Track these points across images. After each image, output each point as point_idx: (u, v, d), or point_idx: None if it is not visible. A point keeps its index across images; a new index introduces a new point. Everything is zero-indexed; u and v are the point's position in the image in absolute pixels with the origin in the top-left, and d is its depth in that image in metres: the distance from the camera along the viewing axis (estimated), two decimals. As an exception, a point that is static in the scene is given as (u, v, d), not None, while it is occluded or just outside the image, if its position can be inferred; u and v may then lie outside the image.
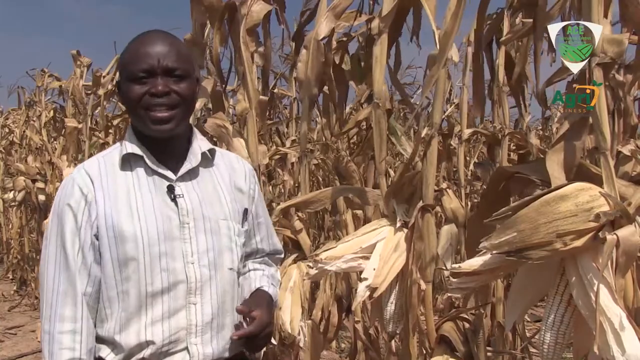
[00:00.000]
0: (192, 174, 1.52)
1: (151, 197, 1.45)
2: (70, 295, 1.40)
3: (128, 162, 1.48)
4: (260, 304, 1.55)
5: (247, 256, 1.67)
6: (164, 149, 1.50)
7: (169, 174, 1.48)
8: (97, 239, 1.42)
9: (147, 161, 1.47)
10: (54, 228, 1.44)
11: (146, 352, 1.42)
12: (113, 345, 1.43)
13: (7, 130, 9.51)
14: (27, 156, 7.46)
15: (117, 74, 1.63)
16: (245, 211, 1.60)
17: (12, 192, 6.67)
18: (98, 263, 1.43)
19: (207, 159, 1.56)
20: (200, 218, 1.47)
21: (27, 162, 6.85)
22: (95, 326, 1.45)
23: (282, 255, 1.82)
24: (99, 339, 1.45)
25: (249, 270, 1.68)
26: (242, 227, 1.58)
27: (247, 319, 1.50)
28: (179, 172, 1.49)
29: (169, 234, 1.43)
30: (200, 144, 1.56)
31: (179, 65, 1.47)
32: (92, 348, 1.43)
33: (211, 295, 1.47)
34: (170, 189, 1.47)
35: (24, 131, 7.72)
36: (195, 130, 1.59)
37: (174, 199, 1.46)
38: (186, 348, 1.45)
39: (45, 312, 1.42)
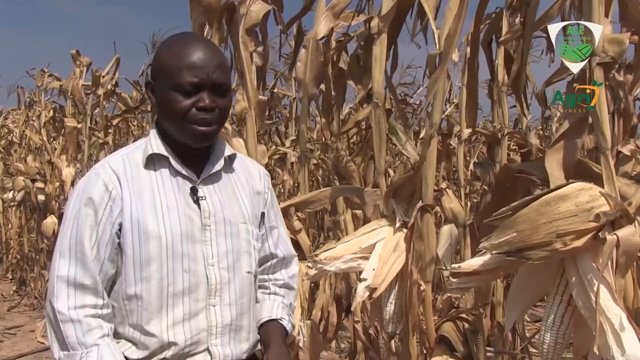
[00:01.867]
0: (214, 177, 1.53)
1: (175, 197, 1.45)
2: (89, 282, 1.38)
3: (152, 161, 1.47)
4: (272, 342, 1.55)
5: (261, 261, 1.66)
6: (188, 152, 1.50)
7: (192, 176, 1.49)
8: (119, 237, 1.41)
9: (172, 162, 1.47)
10: (72, 219, 1.42)
11: (168, 353, 1.42)
12: (135, 342, 1.44)
13: (6, 130, 9.51)
14: (26, 156, 7.46)
15: (150, 72, 1.57)
16: (262, 215, 1.62)
17: (12, 192, 6.68)
18: (112, 261, 1.42)
19: (228, 164, 1.57)
20: (222, 221, 1.48)
21: (26, 162, 6.86)
22: (115, 325, 1.44)
23: (296, 258, 1.76)
24: (121, 337, 1.45)
25: (269, 294, 1.67)
26: (260, 231, 1.60)
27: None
28: (202, 175, 1.50)
29: (191, 235, 1.44)
30: (222, 148, 1.57)
31: (225, 80, 1.47)
32: (111, 330, 1.42)
33: (230, 297, 1.48)
34: (194, 191, 1.47)
35: (24, 131, 7.72)
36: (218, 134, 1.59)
37: (196, 201, 1.47)
38: (207, 349, 1.46)
39: (70, 301, 1.37)
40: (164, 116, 1.48)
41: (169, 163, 1.47)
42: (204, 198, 1.48)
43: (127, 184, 1.43)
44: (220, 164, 1.53)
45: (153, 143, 1.49)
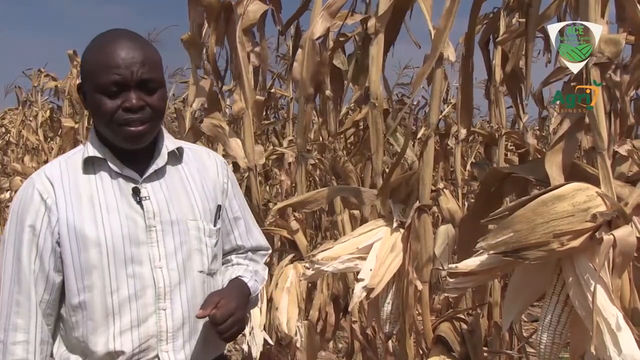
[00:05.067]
0: (159, 173, 1.46)
1: (115, 200, 1.39)
2: (24, 304, 1.36)
3: (91, 165, 1.42)
4: (230, 293, 1.47)
5: (228, 253, 1.62)
6: (131, 153, 1.43)
7: (135, 175, 1.42)
8: (59, 245, 1.37)
9: (110, 164, 1.41)
10: (12, 234, 1.39)
11: None
12: (85, 353, 1.40)
13: (3, 130, 9.49)
14: (23, 156, 7.45)
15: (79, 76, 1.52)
16: (219, 208, 1.54)
17: (9, 192, 6.66)
18: (58, 270, 1.38)
19: (175, 158, 1.50)
20: (168, 220, 1.41)
21: (23, 162, 6.85)
22: (62, 332, 1.42)
23: (269, 252, 1.74)
24: (70, 346, 1.42)
25: (232, 265, 1.62)
26: (215, 225, 1.51)
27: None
28: (145, 173, 1.43)
29: (134, 238, 1.38)
30: (166, 142, 1.49)
31: (153, 75, 1.39)
32: (46, 357, 1.40)
33: (181, 299, 1.42)
34: (136, 192, 1.41)
35: (21, 131, 7.70)
36: (162, 129, 1.51)
37: (139, 202, 1.40)
38: (157, 356, 1.41)
39: (0, 322, 1.38)
40: (96, 120, 1.42)
41: (108, 165, 1.41)
42: (147, 198, 1.41)
43: (62, 191, 1.38)
44: (163, 160, 1.46)
45: (89, 146, 1.42)
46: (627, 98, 1.84)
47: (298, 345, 2.50)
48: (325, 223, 5.66)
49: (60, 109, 6.48)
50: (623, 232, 1.25)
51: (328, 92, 3.05)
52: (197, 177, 1.51)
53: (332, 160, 3.35)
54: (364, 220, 2.94)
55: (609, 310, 1.21)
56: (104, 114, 1.36)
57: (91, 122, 1.56)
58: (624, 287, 1.34)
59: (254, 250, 1.68)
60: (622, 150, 1.51)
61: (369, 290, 1.68)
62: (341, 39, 2.82)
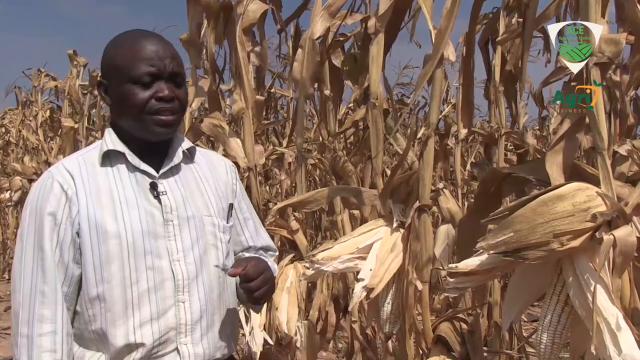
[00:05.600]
0: (174, 171, 1.49)
1: (134, 194, 1.41)
2: (50, 294, 1.35)
3: (108, 159, 1.44)
4: (257, 258, 1.52)
5: (237, 253, 1.66)
6: (146, 148, 1.46)
7: (151, 171, 1.45)
8: (79, 237, 1.38)
9: (129, 157, 1.44)
10: (32, 225, 1.39)
11: (136, 355, 1.38)
12: (100, 348, 1.40)
13: (4, 130, 9.49)
14: (23, 156, 7.45)
15: (101, 72, 1.53)
16: (230, 206, 1.58)
17: (9, 192, 6.66)
18: (77, 262, 1.38)
19: (188, 157, 1.54)
20: (184, 215, 1.45)
21: (23, 162, 6.84)
22: (76, 329, 1.41)
23: (276, 253, 1.79)
24: (84, 343, 1.41)
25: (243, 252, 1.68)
26: (227, 223, 1.56)
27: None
28: (162, 170, 1.47)
29: (153, 231, 1.40)
30: (180, 142, 1.54)
31: (181, 70, 1.46)
32: (71, 350, 1.39)
33: (199, 292, 1.44)
34: (153, 186, 1.44)
35: (20, 131, 7.70)
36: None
37: (157, 197, 1.43)
38: (176, 349, 1.42)
39: (22, 316, 1.36)
40: (122, 113, 1.45)
41: (125, 159, 1.44)
42: (164, 193, 1.44)
43: (82, 184, 1.39)
44: (179, 157, 1.50)
45: (108, 140, 1.45)
46: (627, 98, 1.84)
47: (298, 345, 2.50)
48: (325, 223, 5.66)
49: (60, 109, 6.47)
50: (623, 232, 1.25)
51: (327, 92, 3.05)
52: (209, 176, 1.56)
53: (332, 160, 3.34)
54: (364, 220, 2.95)
55: (609, 310, 1.21)
56: (136, 103, 1.40)
57: (106, 121, 1.59)
58: (624, 287, 1.34)
59: (264, 250, 1.72)
60: (622, 150, 1.51)
61: (368, 290, 1.68)
62: (340, 38, 2.82)
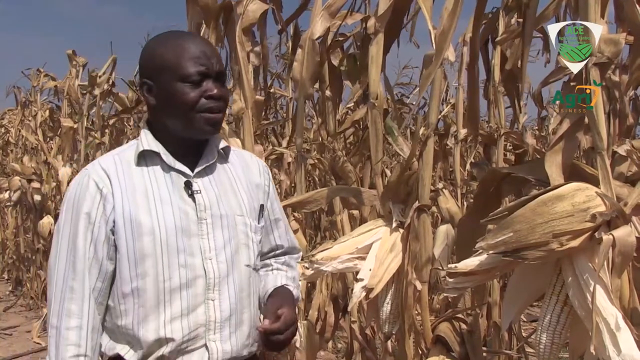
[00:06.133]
0: (208, 170, 1.52)
1: (168, 192, 1.45)
2: (78, 290, 1.40)
3: (143, 159, 1.48)
4: (286, 301, 1.54)
5: (267, 253, 1.68)
6: (184, 147, 1.50)
7: (186, 170, 1.48)
8: (113, 234, 1.41)
9: (164, 157, 1.47)
10: (67, 222, 1.43)
11: (165, 350, 1.41)
12: (131, 342, 1.43)
13: (3, 130, 9.48)
14: (22, 156, 7.44)
15: (143, 72, 1.52)
16: (262, 207, 1.61)
17: (8, 192, 6.65)
18: (111, 259, 1.42)
19: (222, 157, 1.57)
20: (218, 214, 1.48)
21: (22, 162, 6.84)
22: (107, 323, 1.45)
23: (300, 253, 1.80)
24: (115, 336, 1.44)
25: (272, 269, 1.69)
26: (259, 223, 1.59)
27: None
28: (196, 169, 1.50)
29: (186, 229, 1.43)
30: (216, 142, 1.57)
31: (224, 70, 1.52)
32: (96, 345, 1.43)
33: (229, 291, 1.47)
34: (188, 185, 1.47)
35: (20, 131, 7.69)
36: None
37: (191, 195, 1.47)
38: (205, 345, 1.45)
39: (54, 307, 1.41)
40: (169, 111, 1.48)
41: (160, 159, 1.47)
42: (199, 192, 1.47)
43: (117, 181, 1.43)
44: (214, 156, 1.53)
45: (144, 140, 1.49)
46: (626, 98, 1.84)
47: (297, 345, 2.50)
48: (324, 223, 5.67)
49: (59, 109, 6.47)
50: (622, 232, 1.25)
51: (327, 92, 3.05)
52: (242, 177, 1.59)
53: (332, 160, 3.34)
54: (363, 221, 2.94)
55: (608, 310, 1.21)
56: (187, 101, 1.43)
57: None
58: (623, 287, 1.34)
59: (290, 250, 1.74)
60: (621, 150, 1.51)
61: (368, 290, 1.69)
62: (340, 38, 2.82)
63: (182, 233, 1.42)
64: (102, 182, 1.42)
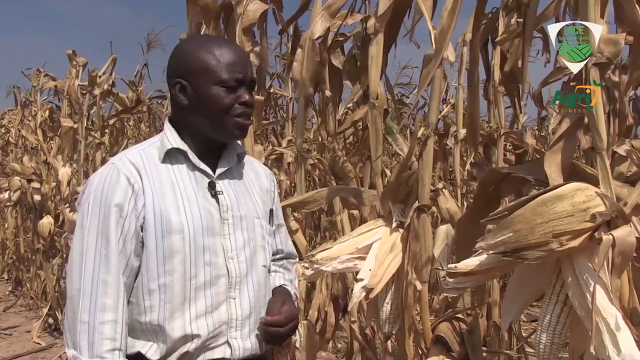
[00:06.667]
0: (228, 173, 1.57)
1: (194, 191, 1.48)
2: (112, 284, 1.39)
3: (168, 157, 1.50)
4: (287, 299, 1.62)
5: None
6: (207, 149, 1.54)
7: (209, 170, 1.52)
8: (142, 230, 1.43)
9: (190, 156, 1.51)
10: (95, 215, 1.42)
11: (190, 346, 1.43)
12: (154, 338, 1.43)
13: (3, 130, 9.48)
14: (22, 156, 7.43)
15: (177, 72, 1.54)
16: (271, 212, 1.67)
17: (8, 192, 6.65)
18: (137, 255, 1.43)
19: (239, 161, 1.63)
20: (238, 215, 1.52)
21: (22, 162, 6.83)
22: (128, 317, 1.44)
23: (297, 260, 1.86)
24: (135, 334, 1.44)
25: (271, 272, 1.72)
26: (271, 226, 1.66)
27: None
28: (218, 171, 1.54)
29: (211, 228, 1.47)
30: (235, 146, 1.62)
31: (255, 79, 1.60)
32: (125, 339, 1.42)
33: (248, 290, 1.52)
34: (212, 186, 1.51)
35: (20, 131, 7.68)
36: None
37: (214, 195, 1.50)
38: (227, 342, 1.48)
39: (84, 303, 1.38)
40: (201, 112, 1.51)
41: (186, 158, 1.50)
42: (221, 192, 1.52)
43: (147, 177, 1.45)
44: (233, 160, 1.58)
45: (170, 138, 1.51)
46: (626, 98, 1.84)
47: (297, 345, 2.50)
48: (324, 223, 5.66)
49: (59, 109, 6.47)
50: (622, 232, 1.25)
51: (327, 92, 3.05)
52: (255, 181, 1.65)
53: (331, 160, 3.35)
54: (363, 221, 2.94)
55: (608, 310, 1.21)
56: (223, 105, 1.49)
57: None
58: (623, 287, 1.34)
59: (288, 256, 1.80)
60: (621, 150, 1.51)
61: (368, 290, 1.68)
62: (340, 38, 2.82)
63: (207, 232, 1.46)
64: (134, 178, 1.44)
